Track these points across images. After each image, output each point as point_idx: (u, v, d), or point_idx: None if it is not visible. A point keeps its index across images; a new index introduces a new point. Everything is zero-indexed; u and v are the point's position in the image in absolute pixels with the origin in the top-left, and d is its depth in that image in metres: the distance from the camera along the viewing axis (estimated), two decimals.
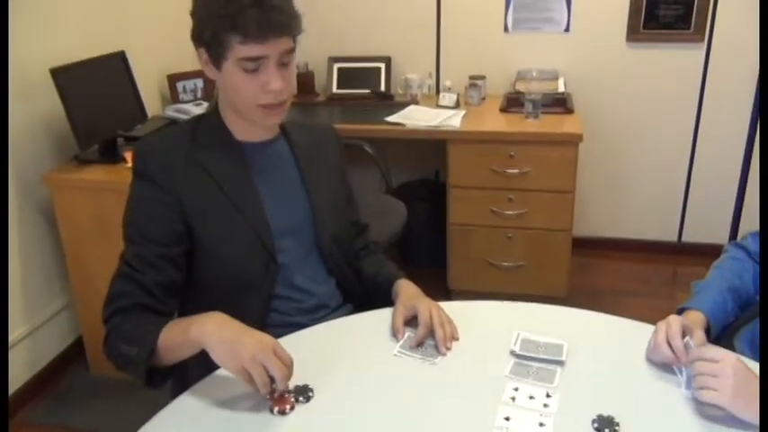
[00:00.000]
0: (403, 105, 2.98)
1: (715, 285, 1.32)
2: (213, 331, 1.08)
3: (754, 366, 1.14)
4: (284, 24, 1.20)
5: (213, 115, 1.35)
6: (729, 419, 1.04)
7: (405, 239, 2.72)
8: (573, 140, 2.60)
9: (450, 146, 2.70)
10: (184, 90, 3.01)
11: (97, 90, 2.36)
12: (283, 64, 1.23)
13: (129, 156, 2.35)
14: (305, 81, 3.22)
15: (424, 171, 3.35)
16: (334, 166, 1.48)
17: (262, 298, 1.34)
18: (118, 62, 2.50)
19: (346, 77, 3.21)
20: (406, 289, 1.37)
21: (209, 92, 3.08)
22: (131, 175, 1.30)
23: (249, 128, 1.33)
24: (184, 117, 2.81)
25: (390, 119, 2.79)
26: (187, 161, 1.28)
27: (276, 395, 1.09)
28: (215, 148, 1.31)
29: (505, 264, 2.81)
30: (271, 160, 1.37)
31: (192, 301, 1.37)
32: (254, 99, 1.24)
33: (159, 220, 1.25)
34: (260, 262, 1.32)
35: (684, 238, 3.31)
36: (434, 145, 2.82)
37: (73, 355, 2.53)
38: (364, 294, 1.47)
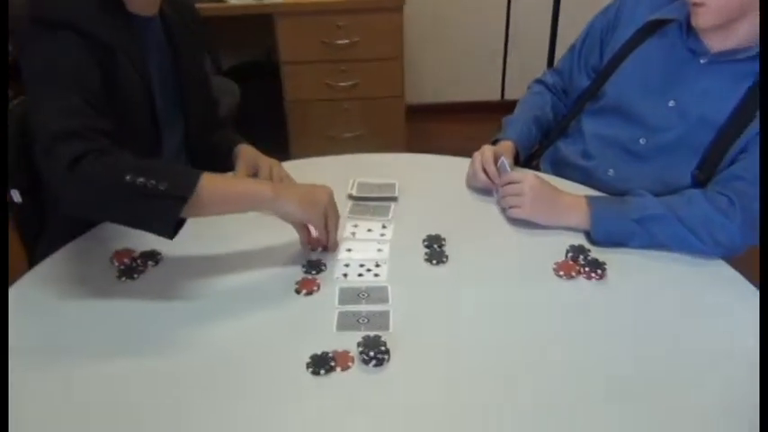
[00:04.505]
0: None
1: (521, 118, 1.49)
2: (288, 184, 1.28)
3: (553, 179, 1.33)
4: None
5: None
6: (533, 224, 1.23)
7: (243, 121, 2.69)
8: (396, 6, 2.65)
9: (277, 21, 2.65)
10: None
11: None
12: None
13: None
14: None
15: (255, 51, 3.27)
16: (199, 47, 1.42)
17: None
18: None
19: None
20: (247, 151, 1.42)
21: None
22: (31, 27, 1.10)
23: None
24: None
25: None
26: (96, 20, 1.13)
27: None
28: (114, 15, 1.17)
29: (345, 135, 2.89)
30: (153, 37, 1.27)
31: None
32: None
33: (93, 69, 1.10)
34: (149, 142, 1.27)
35: (507, 96, 3.57)
36: (262, 22, 2.75)
37: None
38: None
